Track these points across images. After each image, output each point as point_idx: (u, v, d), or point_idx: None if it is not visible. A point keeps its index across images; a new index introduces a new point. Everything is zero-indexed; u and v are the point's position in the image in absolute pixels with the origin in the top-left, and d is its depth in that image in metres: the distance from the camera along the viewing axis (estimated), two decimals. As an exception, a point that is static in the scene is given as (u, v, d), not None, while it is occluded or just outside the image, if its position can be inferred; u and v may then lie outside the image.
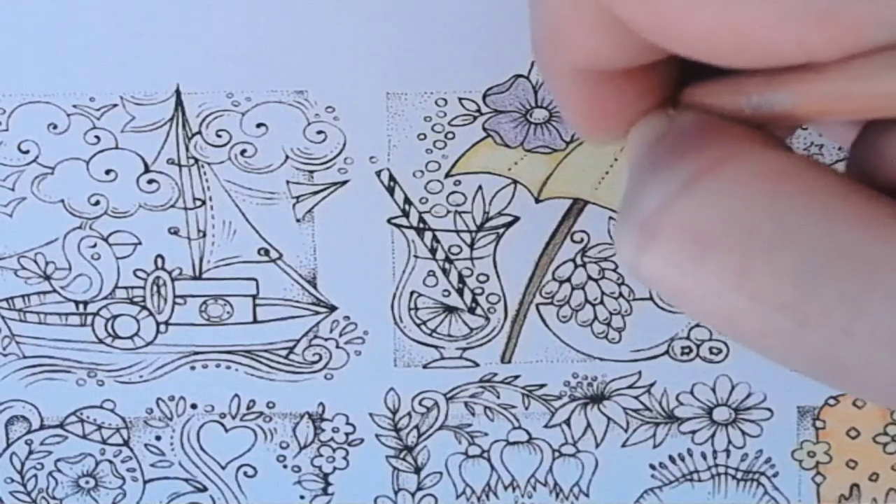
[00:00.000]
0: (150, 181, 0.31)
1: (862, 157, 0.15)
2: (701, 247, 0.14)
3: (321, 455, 0.33)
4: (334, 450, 0.33)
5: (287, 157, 0.31)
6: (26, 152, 0.31)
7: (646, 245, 0.15)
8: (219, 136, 0.30)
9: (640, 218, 0.15)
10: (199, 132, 0.30)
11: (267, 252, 0.31)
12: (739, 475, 0.33)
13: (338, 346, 0.32)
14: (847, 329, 0.13)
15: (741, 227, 0.14)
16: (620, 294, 0.32)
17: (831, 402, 0.33)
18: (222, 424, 0.33)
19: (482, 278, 0.32)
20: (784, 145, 0.15)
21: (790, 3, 0.13)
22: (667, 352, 0.32)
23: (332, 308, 0.32)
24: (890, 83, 0.13)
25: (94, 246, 0.31)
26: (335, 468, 0.33)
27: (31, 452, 0.33)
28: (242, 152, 0.31)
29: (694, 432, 0.33)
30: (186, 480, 0.33)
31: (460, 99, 0.30)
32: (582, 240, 0.31)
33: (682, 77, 0.18)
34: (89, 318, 0.32)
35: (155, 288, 0.32)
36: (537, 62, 0.18)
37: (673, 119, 0.17)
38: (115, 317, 0.32)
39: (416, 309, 0.32)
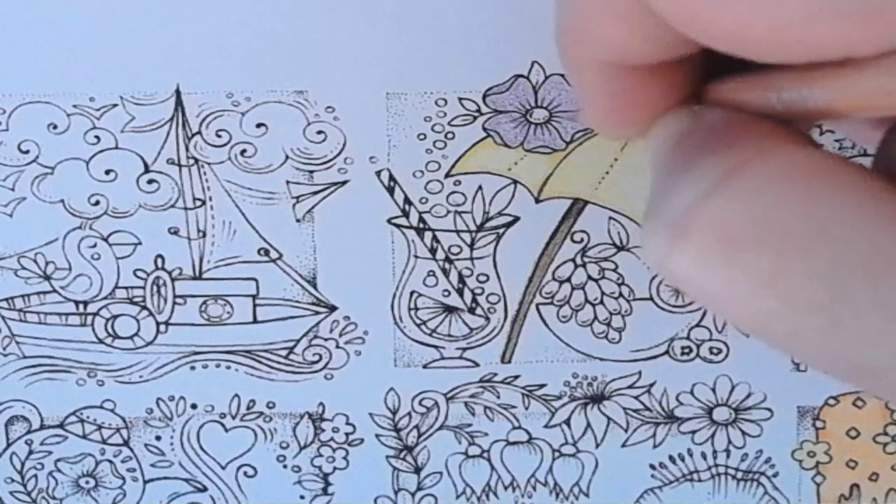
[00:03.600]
0: (150, 181, 0.31)
1: (891, 156, 0.15)
2: (733, 247, 0.14)
3: (321, 455, 0.33)
4: (334, 450, 0.33)
5: (287, 157, 0.31)
6: (26, 152, 0.31)
7: (675, 244, 0.14)
8: (219, 136, 0.30)
9: (670, 217, 0.15)
10: (199, 132, 0.30)
11: (267, 252, 0.31)
12: (739, 475, 0.33)
13: (338, 346, 0.32)
14: (879, 332, 0.13)
15: (774, 226, 0.14)
16: (620, 294, 0.32)
17: (831, 402, 0.33)
18: (222, 424, 0.33)
19: (482, 278, 0.32)
20: (814, 142, 0.15)
21: None
22: (667, 352, 0.32)
23: (332, 308, 0.32)
24: None
25: (94, 246, 0.31)
26: (335, 468, 0.33)
27: (31, 452, 0.33)
28: (242, 152, 0.31)
29: (694, 432, 0.33)
30: (186, 480, 0.33)
31: (460, 99, 0.30)
32: (582, 240, 0.31)
33: (708, 72, 0.18)
34: (89, 318, 0.32)
35: (155, 288, 0.32)
36: (560, 54, 0.18)
37: (698, 115, 0.17)
38: (115, 317, 0.32)
39: (416, 309, 0.32)
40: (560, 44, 0.18)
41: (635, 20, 0.15)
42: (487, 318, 0.32)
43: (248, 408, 0.33)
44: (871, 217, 0.13)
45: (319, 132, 0.30)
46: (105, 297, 0.32)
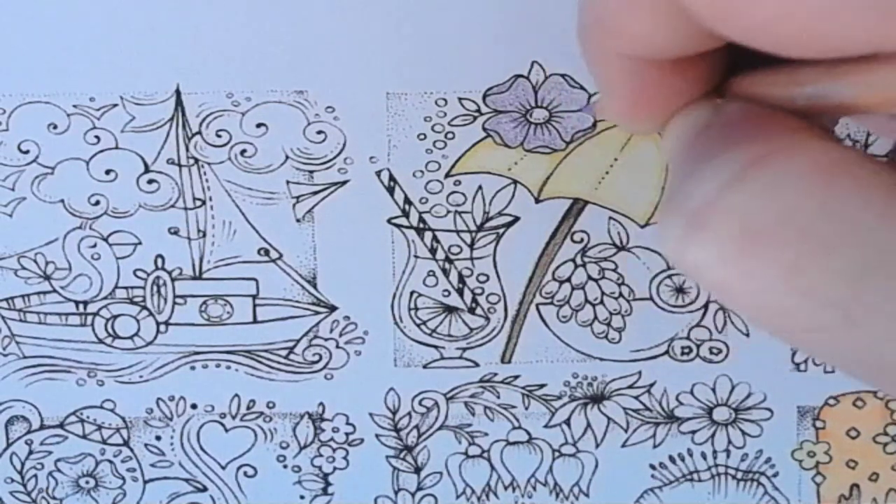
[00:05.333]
0: (150, 181, 0.31)
1: None
2: (752, 240, 0.14)
3: (321, 455, 0.33)
4: (334, 450, 0.33)
5: (287, 157, 0.31)
6: (26, 152, 0.31)
7: (694, 236, 0.14)
8: (219, 136, 0.30)
9: (689, 207, 0.14)
10: (199, 132, 0.30)
11: (267, 252, 0.31)
12: (739, 475, 0.33)
13: (338, 346, 0.32)
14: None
15: (795, 221, 0.13)
16: (620, 294, 0.32)
17: (831, 402, 0.33)
18: (222, 424, 0.33)
19: (482, 278, 0.32)
20: (836, 138, 0.15)
21: None
22: (667, 352, 0.32)
23: (332, 308, 0.32)
24: None
25: (94, 246, 0.31)
26: (335, 468, 0.33)
27: (31, 452, 0.33)
28: (242, 152, 0.31)
29: (694, 432, 0.33)
30: (186, 480, 0.33)
31: (460, 99, 0.30)
32: (582, 240, 0.31)
33: (731, 66, 0.18)
34: (89, 318, 0.32)
35: (155, 288, 0.32)
36: (582, 46, 0.18)
37: (720, 108, 0.16)
38: (115, 317, 0.32)
39: (416, 309, 0.32)
40: (582, 36, 0.18)
41: (662, 15, 0.15)
42: (487, 318, 0.32)
43: (248, 408, 0.33)
44: (891, 212, 0.13)
45: (319, 132, 0.30)
46: (105, 297, 0.32)
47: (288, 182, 0.31)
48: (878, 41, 0.13)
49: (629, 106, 0.18)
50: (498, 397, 0.33)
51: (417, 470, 0.33)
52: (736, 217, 0.14)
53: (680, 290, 0.32)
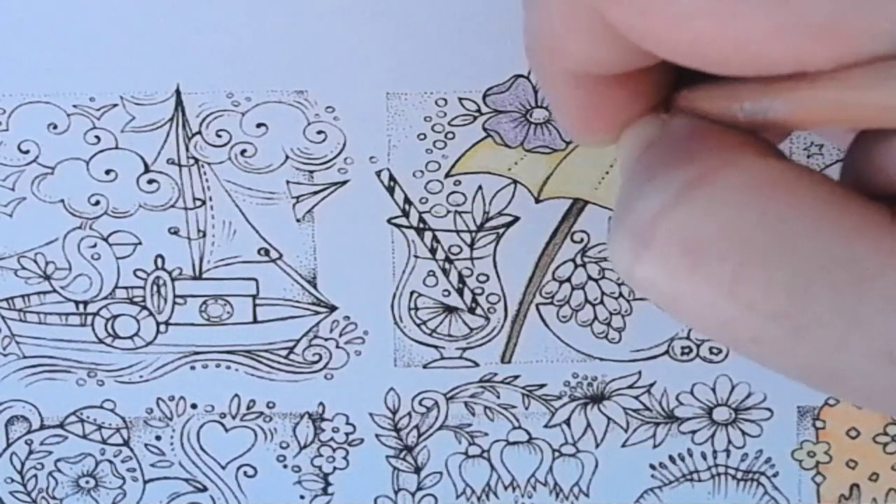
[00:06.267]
0: (150, 181, 0.31)
1: (856, 164, 0.15)
2: (694, 256, 0.14)
3: (321, 455, 0.33)
4: (334, 450, 0.33)
5: (287, 157, 0.31)
6: (26, 152, 0.31)
7: (640, 253, 0.15)
8: (219, 136, 0.30)
9: (635, 226, 0.15)
10: (199, 132, 0.30)
11: (267, 252, 0.31)
12: (739, 475, 0.33)
13: (338, 346, 0.32)
14: (841, 339, 0.13)
15: (735, 236, 0.14)
16: (620, 294, 0.32)
17: (831, 402, 0.33)
18: (222, 424, 0.33)
19: (482, 278, 0.32)
20: (778, 152, 0.15)
21: (786, 15, 0.13)
22: (667, 352, 0.32)
23: (332, 308, 0.32)
24: (884, 94, 0.13)
25: (94, 246, 0.31)
26: (335, 468, 0.33)
27: (31, 452, 0.33)
28: (242, 152, 0.31)
29: (694, 432, 0.33)
30: (186, 480, 0.33)
31: (460, 99, 0.30)
32: (582, 240, 0.31)
33: (677, 79, 0.18)
34: (89, 318, 0.32)
35: (155, 288, 0.32)
36: (531, 66, 0.18)
37: (666, 123, 0.17)
38: (115, 317, 0.32)
39: (416, 309, 0.32)
40: (528, 55, 0.18)
41: (597, 34, 0.16)
42: (487, 318, 0.32)
43: (248, 408, 0.33)
44: (830, 226, 0.14)
45: (319, 132, 0.30)
46: (105, 297, 0.32)
47: (288, 182, 0.31)
48: (802, 61, 0.13)
49: (579, 121, 0.18)
50: (498, 397, 0.33)
51: (417, 470, 0.33)
52: (678, 235, 0.14)
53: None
